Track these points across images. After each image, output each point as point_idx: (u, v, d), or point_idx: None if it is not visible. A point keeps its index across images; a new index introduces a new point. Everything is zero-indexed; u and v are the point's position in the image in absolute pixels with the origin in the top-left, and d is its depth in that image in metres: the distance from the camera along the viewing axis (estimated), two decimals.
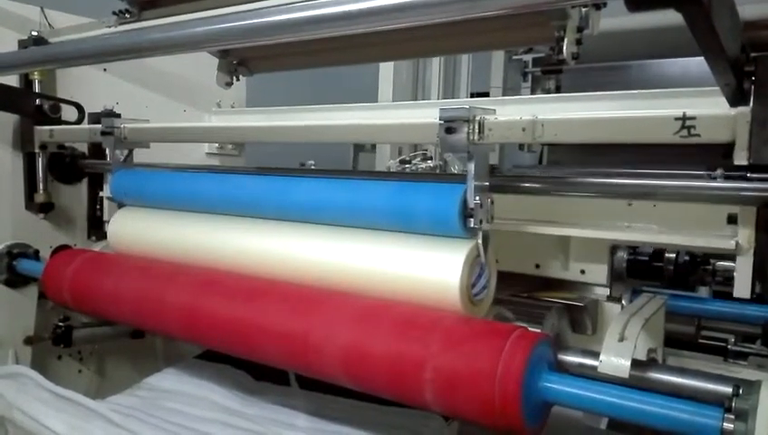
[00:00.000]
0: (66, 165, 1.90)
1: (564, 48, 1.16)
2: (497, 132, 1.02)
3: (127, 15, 1.64)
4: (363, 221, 1.17)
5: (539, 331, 1.08)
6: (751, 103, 0.88)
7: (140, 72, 2.08)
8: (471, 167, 1.03)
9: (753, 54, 0.88)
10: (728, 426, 0.80)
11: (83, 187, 1.97)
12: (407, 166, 2.73)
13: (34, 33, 1.78)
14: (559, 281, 1.31)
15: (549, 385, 0.92)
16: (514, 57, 4.56)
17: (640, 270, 1.26)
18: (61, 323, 1.80)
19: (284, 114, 2.05)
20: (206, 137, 1.59)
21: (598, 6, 1.14)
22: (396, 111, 1.92)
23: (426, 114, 1.09)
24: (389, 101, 3.28)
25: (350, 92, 3.07)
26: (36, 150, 1.84)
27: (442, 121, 1.03)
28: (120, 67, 2.00)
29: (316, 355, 1.09)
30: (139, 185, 1.56)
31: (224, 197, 1.39)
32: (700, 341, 1.44)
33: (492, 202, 1.05)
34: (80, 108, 1.88)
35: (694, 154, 1.14)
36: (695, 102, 1.16)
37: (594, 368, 0.97)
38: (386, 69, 3.38)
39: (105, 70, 2.00)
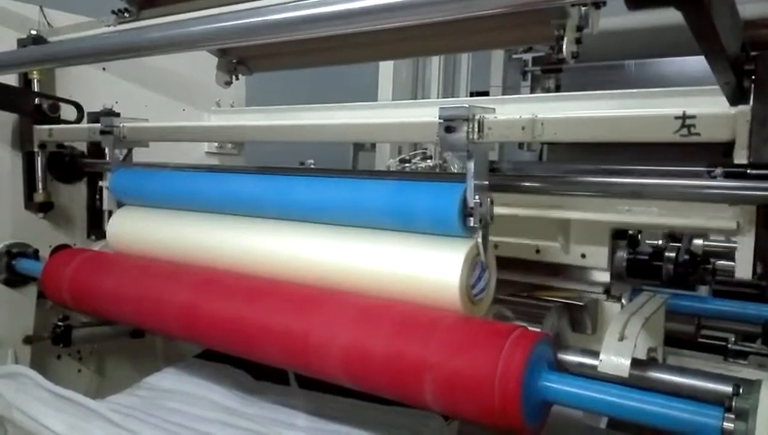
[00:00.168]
0: (65, 164, 1.90)
1: (564, 47, 1.16)
2: (497, 131, 1.02)
3: (126, 15, 1.64)
4: (363, 220, 1.17)
5: (539, 330, 1.08)
6: (751, 102, 0.88)
7: (139, 72, 2.07)
8: (471, 166, 1.02)
9: (753, 53, 0.88)
10: (728, 425, 0.80)
11: (83, 186, 1.96)
12: (406, 165, 2.73)
13: (33, 32, 1.78)
14: (558, 266, 1.30)
15: (549, 384, 0.92)
16: (514, 56, 4.56)
17: (640, 269, 1.26)
18: (60, 323, 1.80)
19: (284, 113, 2.05)
20: (206, 136, 1.59)
21: (597, 5, 1.14)
22: (395, 110, 1.92)
23: (425, 113, 1.09)
24: (389, 100, 3.28)
25: (350, 92, 3.07)
26: (35, 150, 1.84)
27: (442, 120, 1.03)
28: (119, 66, 2.00)
29: (316, 354, 1.09)
30: (138, 184, 1.56)
31: (223, 196, 1.39)
32: (700, 340, 1.44)
33: (491, 201, 1.05)
34: (79, 107, 1.87)
35: (694, 153, 1.13)
36: (694, 101, 1.16)
37: (594, 367, 0.97)
38: (385, 68, 3.38)
39: (104, 69, 2.00)
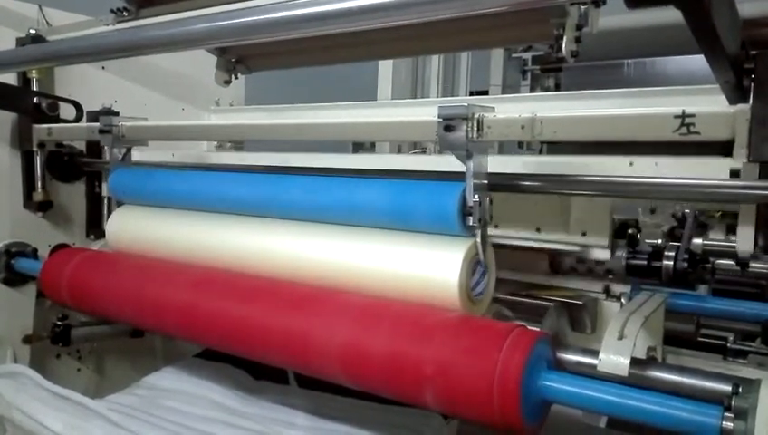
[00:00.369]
0: (64, 163, 1.90)
1: (563, 46, 1.16)
2: (496, 130, 1.02)
3: (125, 13, 1.64)
4: (362, 220, 1.17)
5: (538, 329, 1.08)
6: (750, 101, 0.88)
7: (139, 71, 2.07)
8: (470, 165, 1.02)
9: (752, 52, 0.88)
10: (728, 425, 0.80)
11: (82, 185, 1.96)
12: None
13: (32, 31, 1.78)
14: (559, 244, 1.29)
15: (548, 384, 0.92)
16: (514, 55, 4.56)
17: (639, 269, 1.26)
18: (59, 322, 1.80)
19: (283, 112, 2.05)
20: (205, 135, 1.58)
21: (597, 4, 1.14)
22: (395, 109, 1.92)
23: (425, 112, 1.09)
24: (389, 98, 3.28)
25: (350, 90, 3.06)
26: (34, 149, 1.83)
27: (441, 119, 1.03)
28: (118, 65, 1.99)
29: (315, 354, 1.09)
30: (137, 183, 1.56)
31: (222, 195, 1.39)
32: (699, 339, 1.44)
33: (491, 201, 1.05)
34: (78, 106, 1.87)
35: (693, 152, 1.13)
36: (694, 100, 1.15)
37: (593, 366, 0.97)
38: (385, 67, 3.38)
39: (103, 68, 2.00)
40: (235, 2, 1.36)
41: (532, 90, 4.51)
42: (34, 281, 1.78)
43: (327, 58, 1.70)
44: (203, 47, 1.54)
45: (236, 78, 1.82)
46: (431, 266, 1.05)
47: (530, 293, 1.30)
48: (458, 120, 1.01)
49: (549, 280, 1.36)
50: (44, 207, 1.87)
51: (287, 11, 1.02)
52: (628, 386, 0.89)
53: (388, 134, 1.20)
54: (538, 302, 1.25)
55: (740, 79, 0.87)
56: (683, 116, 0.89)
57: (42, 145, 1.84)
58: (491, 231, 1.09)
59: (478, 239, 1.04)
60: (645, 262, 1.25)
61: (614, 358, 0.95)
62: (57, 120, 1.83)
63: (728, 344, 1.50)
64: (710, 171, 0.97)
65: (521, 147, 3.60)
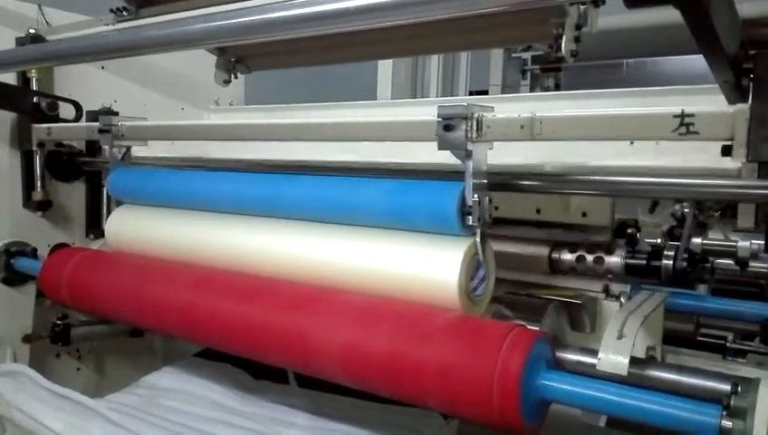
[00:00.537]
0: (64, 163, 1.90)
1: (563, 46, 1.16)
2: (496, 130, 1.02)
3: (124, 13, 1.64)
4: (362, 219, 1.17)
5: (537, 329, 1.08)
6: (749, 100, 0.88)
7: (138, 70, 2.07)
8: (469, 164, 1.02)
9: (751, 52, 0.88)
10: (726, 424, 0.80)
11: (81, 185, 1.96)
12: None
13: (32, 31, 1.78)
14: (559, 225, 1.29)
15: (547, 383, 0.92)
16: (513, 55, 4.56)
17: (639, 268, 1.26)
18: (59, 322, 1.80)
19: (283, 112, 2.05)
20: (204, 135, 1.58)
21: (596, 4, 1.14)
22: (394, 109, 1.92)
23: (424, 112, 1.09)
24: (388, 98, 3.28)
25: (349, 90, 3.07)
26: (34, 148, 1.83)
27: (440, 119, 1.03)
28: (117, 65, 1.99)
29: (315, 354, 1.09)
30: (136, 182, 1.56)
31: (222, 194, 1.39)
32: (699, 338, 1.44)
33: (490, 200, 1.05)
34: (77, 106, 1.87)
35: None
36: (693, 100, 1.16)
37: (593, 366, 0.97)
38: (385, 67, 3.38)
39: (103, 68, 2.00)
40: (234, 2, 1.36)
41: (532, 89, 4.52)
42: (34, 280, 1.78)
43: (326, 58, 1.70)
44: (202, 47, 1.54)
45: (236, 78, 1.82)
46: (431, 266, 1.05)
47: (529, 292, 1.31)
48: (458, 120, 1.01)
49: (548, 279, 1.36)
50: (44, 206, 1.86)
51: (286, 11, 1.02)
52: (627, 385, 0.89)
53: (387, 134, 1.20)
54: (537, 301, 1.25)
55: (739, 79, 0.87)
56: (682, 116, 0.89)
57: (41, 144, 1.84)
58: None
59: (478, 239, 1.04)
60: (644, 261, 1.25)
61: (613, 357, 0.95)
62: (57, 119, 1.82)
63: (727, 344, 1.50)
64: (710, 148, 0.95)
65: None
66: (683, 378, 0.94)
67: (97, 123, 1.60)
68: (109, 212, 1.67)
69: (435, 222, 1.07)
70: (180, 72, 2.18)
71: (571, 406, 0.97)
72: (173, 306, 1.31)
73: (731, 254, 1.41)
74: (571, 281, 1.35)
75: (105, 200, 1.88)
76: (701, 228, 1.67)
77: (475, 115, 1.02)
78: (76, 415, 1.30)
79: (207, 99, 2.28)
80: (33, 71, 1.80)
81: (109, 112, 1.88)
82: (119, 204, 1.62)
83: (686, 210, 1.61)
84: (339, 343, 1.06)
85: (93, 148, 1.91)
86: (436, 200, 1.06)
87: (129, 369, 2.01)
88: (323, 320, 1.09)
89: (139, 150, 1.67)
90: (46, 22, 1.87)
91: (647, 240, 1.32)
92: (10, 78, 1.80)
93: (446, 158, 1.05)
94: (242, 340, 1.21)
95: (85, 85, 1.95)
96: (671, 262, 1.23)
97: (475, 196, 1.02)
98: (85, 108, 1.89)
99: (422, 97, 3.63)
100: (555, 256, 1.33)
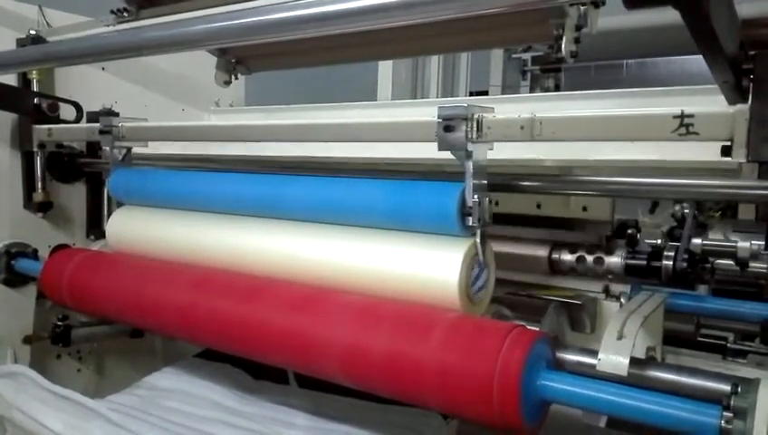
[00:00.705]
0: (65, 164, 1.90)
1: (563, 46, 1.16)
2: (496, 130, 1.02)
3: (125, 14, 1.64)
4: (362, 220, 1.17)
5: (537, 329, 1.08)
6: (749, 101, 0.88)
7: (139, 71, 2.07)
8: (469, 165, 1.03)
9: (751, 52, 0.88)
10: (727, 424, 0.80)
11: (82, 186, 1.96)
12: None
13: (33, 32, 1.78)
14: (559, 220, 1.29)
15: (547, 383, 0.92)
16: (513, 56, 4.57)
17: (639, 269, 1.26)
18: (59, 323, 1.80)
19: (283, 113, 2.05)
20: (205, 136, 1.58)
21: (596, 4, 1.14)
22: (395, 110, 1.92)
23: (425, 113, 1.09)
24: (389, 99, 3.28)
25: (350, 91, 3.07)
26: (35, 149, 1.83)
27: (441, 120, 1.03)
28: (118, 66, 1.99)
29: (315, 354, 1.09)
30: (137, 184, 1.56)
31: (222, 195, 1.39)
32: (699, 339, 1.44)
33: (490, 201, 1.05)
34: (78, 107, 1.87)
35: None
36: (693, 100, 1.16)
37: (593, 366, 0.97)
38: (385, 68, 3.38)
39: (103, 69, 2.00)
40: (234, 3, 1.36)
41: (532, 90, 4.52)
42: (35, 281, 1.78)
43: (327, 59, 1.71)
44: (203, 48, 1.54)
45: (236, 78, 1.82)
46: (431, 266, 1.05)
47: (529, 292, 1.31)
48: (458, 121, 1.02)
49: (548, 280, 1.36)
50: (45, 207, 1.87)
51: (286, 12, 1.02)
52: (627, 386, 0.89)
53: (387, 135, 1.20)
54: (537, 302, 1.25)
55: (739, 79, 0.87)
56: (682, 116, 0.90)
57: (42, 146, 1.84)
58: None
59: (478, 239, 1.04)
60: (644, 262, 1.25)
61: (613, 358, 0.95)
62: (57, 120, 1.83)
63: (728, 344, 1.50)
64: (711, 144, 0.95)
65: None
66: (683, 378, 0.94)
67: (97, 124, 1.61)
68: (109, 213, 1.67)
69: (435, 222, 1.07)
70: (181, 73, 2.18)
71: (571, 406, 0.97)
72: (174, 307, 1.31)
73: (731, 254, 1.41)
74: (570, 281, 1.35)
75: (106, 201, 1.89)
76: (701, 229, 1.67)
77: (476, 116, 1.02)
78: (77, 416, 1.30)
79: (208, 100, 2.28)
80: (34, 72, 1.81)
81: (109, 113, 1.88)
82: (119, 205, 1.62)
83: (686, 211, 1.62)
84: (339, 344, 1.06)
85: (94, 149, 1.91)
86: (437, 201, 1.06)
87: (129, 370, 2.01)
88: (324, 320, 1.09)
89: (138, 148, 1.67)
90: (47, 23, 1.87)
91: (647, 241, 1.33)
92: (11, 79, 1.81)
93: (447, 153, 1.05)
94: (242, 340, 1.21)
95: (86, 86, 1.95)
96: (671, 262, 1.23)
97: (476, 196, 1.02)
98: (86, 109, 1.89)
99: (422, 98, 3.64)
100: (555, 256, 1.33)
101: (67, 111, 1.86)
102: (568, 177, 1.10)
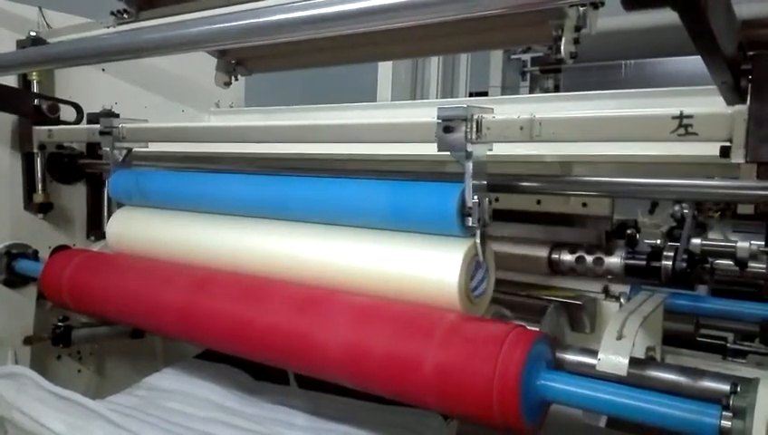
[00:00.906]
0: (65, 165, 1.90)
1: (562, 47, 1.17)
2: (495, 131, 1.02)
3: (125, 16, 1.64)
4: (362, 220, 1.17)
5: (537, 329, 1.08)
6: (748, 102, 0.88)
7: (139, 73, 2.07)
8: (469, 166, 1.03)
9: (749, 53, 0.88)
10: (726, 424, 0.81)
11: (82, 187, 1.97)
12: None
13: (33, 34, 1.78)
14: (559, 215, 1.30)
15: (547, 383, 0.93)
16: (513, 56, 4.57)
17: (638, 269, 1.26)
18: (60, 323, 1.80)
19: (283, 114, 2.05)
20: (205, 137, 1.59)
21: (595, 5, 1.14)
22: (394, 111, 1.92)
23: (424, 114, 1.09)
24: (388, 100, 3.28)
25: (350, 92, 3.07)
26: (35, 150, 1.83)
27: (440, 121, 1.03)
28: (118, 67, 2.00)
29: (315, 354, 1.10)
30: (137, 185, 1.56)
31: (222, 196, 1.39)
32: (699, 339, 1.44)
33: (490, 201, 1.05)
34: (78, 108, 1.88)
35: None
36: (692, 101, 1.16)
37: (592, 366, 0.97)
38: (385, 69, 3.39)
39: (103, 70, 2.00)
40: (234, 4, 1.36)
41: (532, 91, 4.52)
42: (35, 282, 1.78)
43: (327, 60, 1.71)
44: (203, 49, 1.54)
45: (236, 80, 1.83)
46: (431, 267, 1.06)
47: (529, 293, 1.31)
48: (457, 122, 1.02)
49: (548, 280, 1.36)
50: (45, 208, 1.87)
51: (286, 13, 1.02)
52: (627, 386, 0.89)
53: (387, 136, 1.20)
54: (537, 302, 1.25)
55: (737, 80, 0.87)
56: (681, 117, 0.90)
57: (42, 147, 1.84)
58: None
59: (478, 240, 1.04)
60: (644, 262, 1.25)
61: (613, 358, 0.95)
62: (57, 121, 1.83)
63: (727, 344, 1.51)
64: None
65: None
66: (683, 378, 0.95)
67: (98, 125, 1.61)
68: (109, 214, 1.67)
69: (435, 223, 1.07)
70: (181, 74, 2.18)
71: (571, 406, 0.97)
72: (174, 308, 1.31)
73: (730, 254, 1.41)
74: (570, 282, 1.35)
75: (106, 202, 1.89)
76: (700, 229, 1.68)
77: (475, 117, 1.02)
78: (77, 416, 1.30)
79: (208, 101, 2.28)
80: (34, 73, 1.81)
81: (109, 114, 1.88)
82: (119, 206, 1.63)
83: (685, 211, 1.62)
84: (339, 344, 1.06)
85: (94, 150, 1.91)
86: (436, 201, 1.06)
87: (129, 370, 2.02)
88: (324, 321, 1.10)
89: (138, 147, 1.67)
90: (47, 24, 1.87)
91: (646, 241, 1.33)
92: (11, 80, 1.81)
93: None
94: (242, 341, 1.21)
95: (86, 87, 1.95)
96: (671, 263, 1.23)
97: (475, 197, 1.02)
98: (86, 110, 1.89)
99: (422, 98, 3.64)
100: (555, 256, 1.33)
101: (67, 113, 1.86)
102: (568, 177, 1.10)
